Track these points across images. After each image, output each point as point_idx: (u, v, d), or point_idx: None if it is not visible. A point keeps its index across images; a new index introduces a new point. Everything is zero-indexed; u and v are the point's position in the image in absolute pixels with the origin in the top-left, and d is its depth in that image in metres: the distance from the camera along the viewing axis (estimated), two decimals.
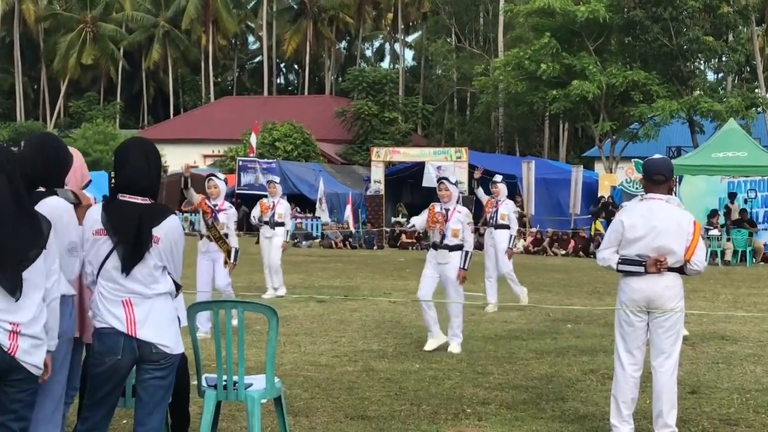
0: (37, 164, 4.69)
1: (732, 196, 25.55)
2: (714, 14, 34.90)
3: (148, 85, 67.52)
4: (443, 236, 9.93)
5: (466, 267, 9.95)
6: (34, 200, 4.58)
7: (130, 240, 4.54)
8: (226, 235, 11.15)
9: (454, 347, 9.95)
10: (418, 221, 10.26)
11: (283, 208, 15.30)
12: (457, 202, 10.25)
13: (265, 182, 31.36)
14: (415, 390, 8.00)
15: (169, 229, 4.66)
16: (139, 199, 4.63)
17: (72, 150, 5.09)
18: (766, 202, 26.14)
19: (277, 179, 16.44)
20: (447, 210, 9.95)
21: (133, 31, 65.15)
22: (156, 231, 4.60)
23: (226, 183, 12.14)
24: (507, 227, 14.08)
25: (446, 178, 10.26)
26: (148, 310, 4.60)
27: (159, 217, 4.63)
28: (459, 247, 9.93)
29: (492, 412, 7.27)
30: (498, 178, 14.54)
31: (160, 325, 4.64)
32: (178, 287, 4.80)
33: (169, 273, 4.70)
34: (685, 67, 34.63)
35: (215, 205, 11.26)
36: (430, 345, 10.04)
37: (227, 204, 11.40)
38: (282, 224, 15.16)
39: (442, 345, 10.05)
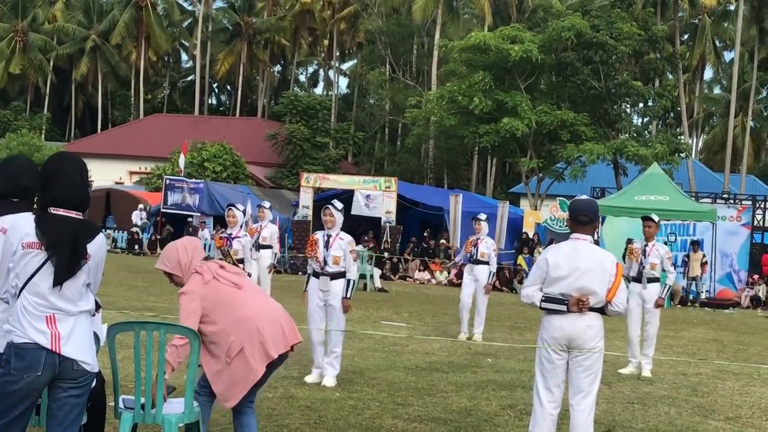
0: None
1: (695, 244, 25.93)
2: (642, 60, 35.79)
3: (76, 98, 66.58)
4: (324, 263, 9.64)
5: (349, 296, 9.64)
6: None
7: (66, 254, 4.48)
8: (241, 261, 11.91)
9: (329, 380, 9.58)
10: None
11: (268, 232, 15.75)
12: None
13: (190, 201, 31.00)
14: (335, 419, 7.97)
15: (99, 247, 4.66)
16: (73, 214, 4.60)
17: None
18: (685, 246, 26.72)
19: (267, 204, 16.67)
20: (329, 236, 9.64)
21: (64, 43, 64.25)
22: (89, 247, 4.57)
23: (244, 214, 12.85)
24: (486, 263, 14.50)
25: (332, 203, 9.76)
26: (72, 327, 4.54)
27: (92, 234, 4.62)
28: (341, 275, 9.64)
29: None
30: (482, 216, 14.83)
31: (82, 342, 4.58)
32: (98, 306, 4.75)
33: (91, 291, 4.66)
34: (613, 110, 35.36)
35: (230, 234, 12.20)
36: (313, 378, 9.71)
37: (242, 233, 12.37)
38: (268, 247, 15.64)
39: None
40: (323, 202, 32.39)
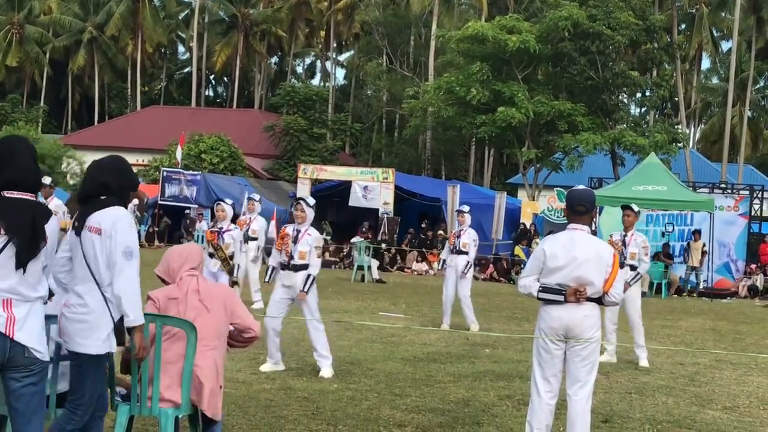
0: None
1: (696, 233, 25.84)
2: (639, 50, 35.72)
3: (73, 91, 66.44)
4: (291, 257, 9.76)
5: (305, 290, 9.67)
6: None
7: (26, 235, 4.52)
8: (232, 256, 12.40)
9: (326, 371, 9.64)
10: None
11: (257, 225, 16.18)
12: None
13: (188, 193, 30.95)
14: (332, 410, 7.97)
15: (54, 229, 4.71)
16: (29, 196, 4.63)
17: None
18: (683, 235, 26.72)
19: (257, 197, 17.03)
20: (298, 231, 9.79)
21: (61, 35, 64.08)
22: (46, 228, 4.62)
23: (233, 207, 13.36)
24: (466, 254, 14.68)
25: (303, 199, 9.96)
26: (27, 313, 4.56)
27: (47, 216, 4.66)
28: (305, 268, 9.74)
29: None
30: (465, 208, 15.02)
31: (36, 329, 4.60)
32: (51, 294, 4.81)
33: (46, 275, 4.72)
34: (610, 100, 35.31)
35: (221, 228, 12.64)
36: (267, 367, 9.78)
37: (233, 226, 12.85)
38: (255, 239, 16.07)
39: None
40: (321, 193, 32.63)
